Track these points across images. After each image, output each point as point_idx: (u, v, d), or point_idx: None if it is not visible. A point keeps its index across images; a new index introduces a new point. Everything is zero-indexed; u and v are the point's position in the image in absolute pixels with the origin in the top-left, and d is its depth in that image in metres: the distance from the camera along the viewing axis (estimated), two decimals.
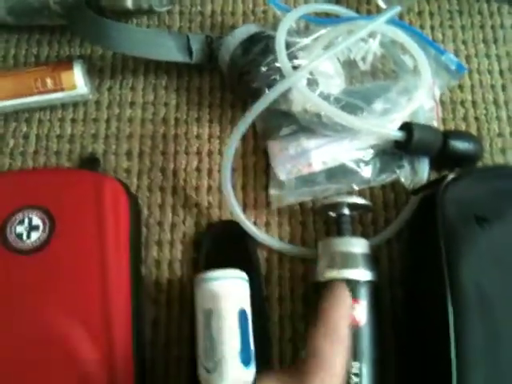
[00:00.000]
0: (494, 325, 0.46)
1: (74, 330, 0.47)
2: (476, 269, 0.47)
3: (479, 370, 0.45)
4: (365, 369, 0.47)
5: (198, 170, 0.60)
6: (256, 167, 0.60)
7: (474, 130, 0.61)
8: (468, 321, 0.46)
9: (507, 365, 0.45)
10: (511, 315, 0.47)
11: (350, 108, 0.56)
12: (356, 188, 0.57)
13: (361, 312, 0.49)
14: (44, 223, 0.49)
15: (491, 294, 0.47)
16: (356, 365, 0.47)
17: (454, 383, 0.44)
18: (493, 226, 0.49)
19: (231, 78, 0.59)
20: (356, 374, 0.47)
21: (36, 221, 0.49)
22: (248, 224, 0.55)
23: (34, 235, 0.49)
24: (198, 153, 0.61)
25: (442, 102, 0.63)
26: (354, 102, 0.57)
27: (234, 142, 0.54)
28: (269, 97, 0.52)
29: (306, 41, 0.58)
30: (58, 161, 0.60)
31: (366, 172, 0.57)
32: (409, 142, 0.54)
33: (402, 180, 0.57)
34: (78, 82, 0.60)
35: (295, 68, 0.54)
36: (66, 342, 0.47)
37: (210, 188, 0.59)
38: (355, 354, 0.48)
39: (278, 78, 0.55)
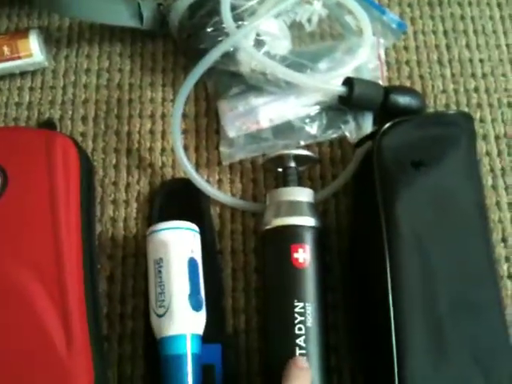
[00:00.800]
0: (428, 263, 0.48)
1: (28, 282, 0.49)
2: (411, 211, 0.50)
3: (415, 304, 0.47)
4: (309, 308, 0.50)
5: (152, 132, 0.62)
6: (208, 128, 0.62)
7: (418, 88, 0.64)
8: (403, 261, 0.48)
9: (442, 298, 0.48)
10: (444, 254, 0.49)
11: (295, 66, 0.58)
12: (303, 143, 0.59)
13: (305, 255, 0.51)
14: None
15: (425, 235, 0.49)
16: (300, 304, 0.49)
17: (392, 321, 0.46)
18: (429, 170, 0.51)
19: (181, 41, 0.62)
20: (300, 313, 0.49)
21: None
22: (200, 181, 0.57)
23: None
24: (152, 116, 0.63)
25: (388, 63, 0.65)
26: (300, 61, 0.59)
27: (181, 100, 0.56)
28: (212, 55, 0.55)
29: (251, 3, 0.60)
30: None
31: (313, 128, 0.59)
32: (351, 96, 0.56)
33: (347, 135, 0.59)
34: (33, 49, 0.62)
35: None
36: (20, 293, 0.49)
37: (163, 149, 0.61)
38: (300, 295, 0.50)
39: (224, 38, 0.57)
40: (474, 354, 0.47)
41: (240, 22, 0.58)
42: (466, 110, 0.63)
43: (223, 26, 0.57)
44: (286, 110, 0.59)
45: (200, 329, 0.50)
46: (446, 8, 0.68)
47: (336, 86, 0.57)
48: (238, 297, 0.56)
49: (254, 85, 0.59)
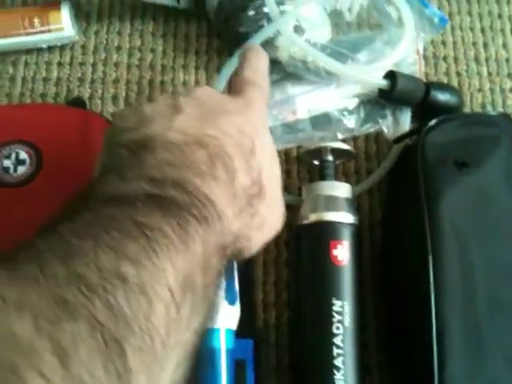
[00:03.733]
0: (468, 262, 0.48)
1: None
2: (454, 209, 0.49)
3: (456, 304, 0.47)
4: (347, 307, 0.48)
5: None
6: None
7: (455, 85, 0.62)
8: (445, 258, 0.47)
9: (480, 299, 0.47)
10: (483, 255, 0.48)
11: (336, 56, 0.56)
12: (340, 136, 0.58)
13: (344, 252, 0.50)
14: (31, 158, 0.49)
15: (466, 235, 0.49)
16: (339, 303, 0.48)
17: (433, 319, 0.46)
18: (471, 171, 0.50)
19: (218, 23, 0.60)
20: (339, 312, 0.48)
21: (23, 155, 0.49)
22: None
23: (21, 169, 0.49)
24: None
25: (425, 57, 0.64)
26: (340, 50, 0.58)
27: (221, 84, 0.54)
28: (255, 40, 0.53)
29: None
30: None
31: (350, 121, 0.58)
32: (393, 90, 0.55)
33: (385, 130, 0.58)
34: (65, 22, 0.60)
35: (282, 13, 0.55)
36: None
37: None
38: (338, 293, 0.49)
39: (264, 23, 0.56)
40: (507, 357, 0.46)
41: (281, 7, 0.56)
42: (502, 110, 0.62)
43: (265, 9, 0.56)
44: (324, 100, 0.58)
45: (234, 323, 0.49)
46: (483, 5, 0.67)
47: (378, 79, 0.56)
48: (268, 290, 0.55)
49: (291, 73, 0.58)
